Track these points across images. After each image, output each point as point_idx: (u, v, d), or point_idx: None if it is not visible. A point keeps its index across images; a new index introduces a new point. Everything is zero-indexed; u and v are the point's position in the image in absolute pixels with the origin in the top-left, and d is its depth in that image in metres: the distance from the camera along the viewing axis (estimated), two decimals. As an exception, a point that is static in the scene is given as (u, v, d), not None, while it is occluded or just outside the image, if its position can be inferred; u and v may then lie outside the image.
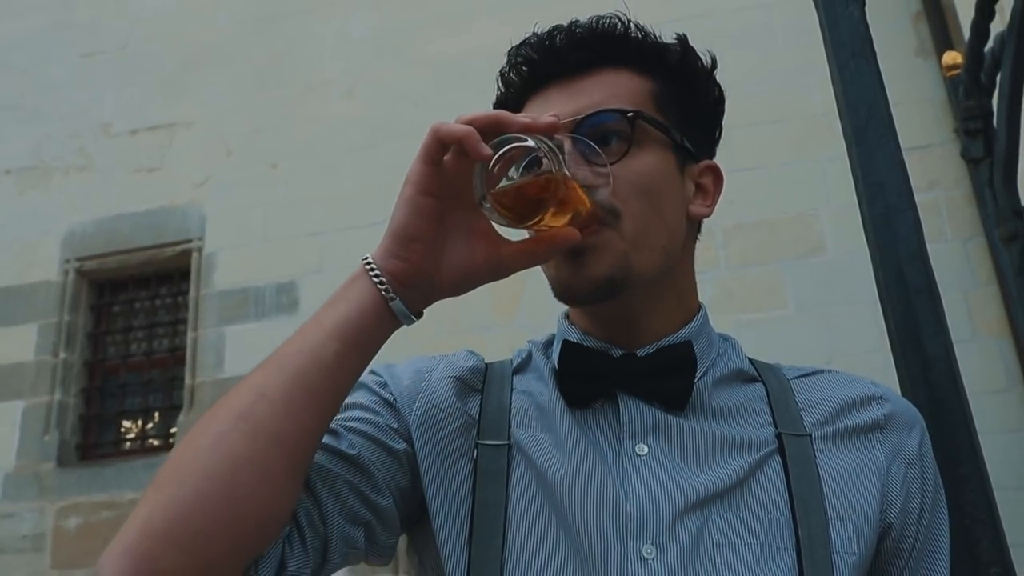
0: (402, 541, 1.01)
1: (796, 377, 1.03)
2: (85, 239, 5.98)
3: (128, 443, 5.75)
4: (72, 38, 6.52)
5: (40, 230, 6.05)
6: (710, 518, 0.89)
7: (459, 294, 0.91)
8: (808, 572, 0.86)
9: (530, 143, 0.82)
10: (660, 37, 1.04)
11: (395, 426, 0.96)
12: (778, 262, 4.93)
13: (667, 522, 0.88)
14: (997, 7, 1.86)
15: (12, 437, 5.57)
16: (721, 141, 1.11)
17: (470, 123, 0.83)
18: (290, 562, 0.84)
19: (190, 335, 5.62)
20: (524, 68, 1.02)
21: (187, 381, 5.51)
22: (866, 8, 1.34)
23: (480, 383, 1.02)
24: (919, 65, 5.04)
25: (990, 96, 1.99)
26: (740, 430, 0.96)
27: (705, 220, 1.07)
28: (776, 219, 5.00)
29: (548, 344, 1.08)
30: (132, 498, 5.04)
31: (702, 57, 1.05)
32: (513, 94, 1.04)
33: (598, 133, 0.94)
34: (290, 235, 5.61)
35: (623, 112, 0.96)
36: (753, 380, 1.02)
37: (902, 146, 1.26)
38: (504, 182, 0.84)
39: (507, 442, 0.95)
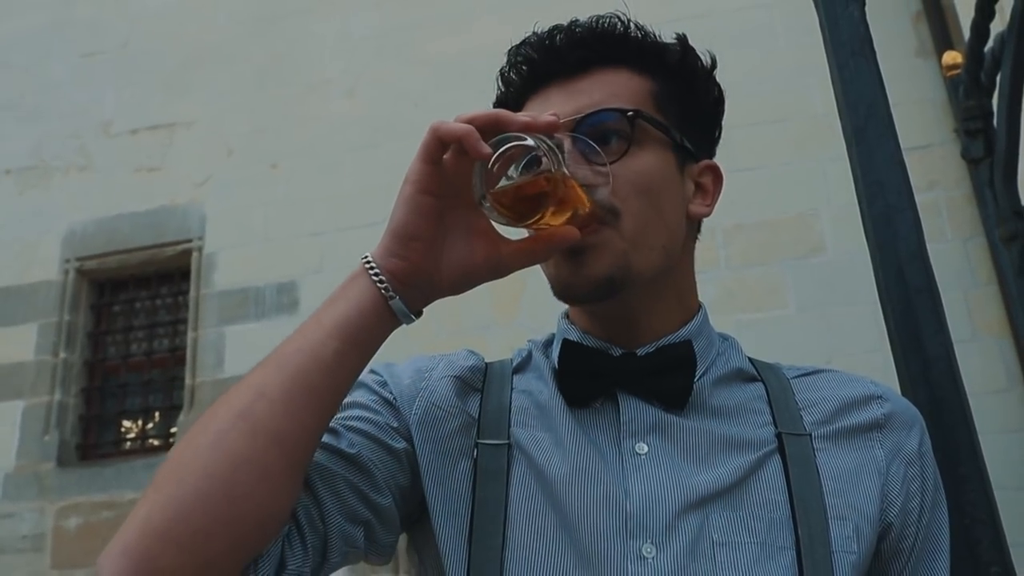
0: (402, 540, 1.01)
1: (796, 376, 1.03)
2: (85, 239, 5.98)
3: (128, 443, 5.75)
4: (72, 37, 6.52)
5: (40, 229, 6.05)
6: (710, 517, 0.89)
7: (459, 293, 0.91)
8: (808, 571, 0.86)
9: (529, 142, 0.82)
10: (660, 37, 1.04)
11: (395, 425, 0.96)
12: (779, 262, 4.93)
13: (667, 521, 0.88)
14: (997, 7, 1.86)
15: (12, 437, 5.56)
16: (722, 141, 1.11)
17: (470, 122, 0.83)
18: (290, 561, 0.84)
19: (190, 335, 5.62)
20: (524, 68, 1.02)
21: (187, 381, 5.51)
22: (866, 8, 1.34)
23: (480, 382, 1.02)
24: (919, 65, 5.04)
25: (990, 96, 1.99)
26: (740, 429, 0.96)
27: (706, 220, 1.07)
28: (777, 219, 5.00)
29: (548, 344, 1.08)
30: (132, 498, 5.04)
31: (702, 57, 1.05)
32: (513, 93, 1.04)
33: (598, 132, 0.94)
34: (291, 235, 5.60)
35: (623, 111, 0.96)
36: (753, 379, 1.02)
37: (902, 146, 1.26)
38: (504, 181, 0.84)
39: (507, 441, 0.95)
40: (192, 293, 5.72)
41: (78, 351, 5.83)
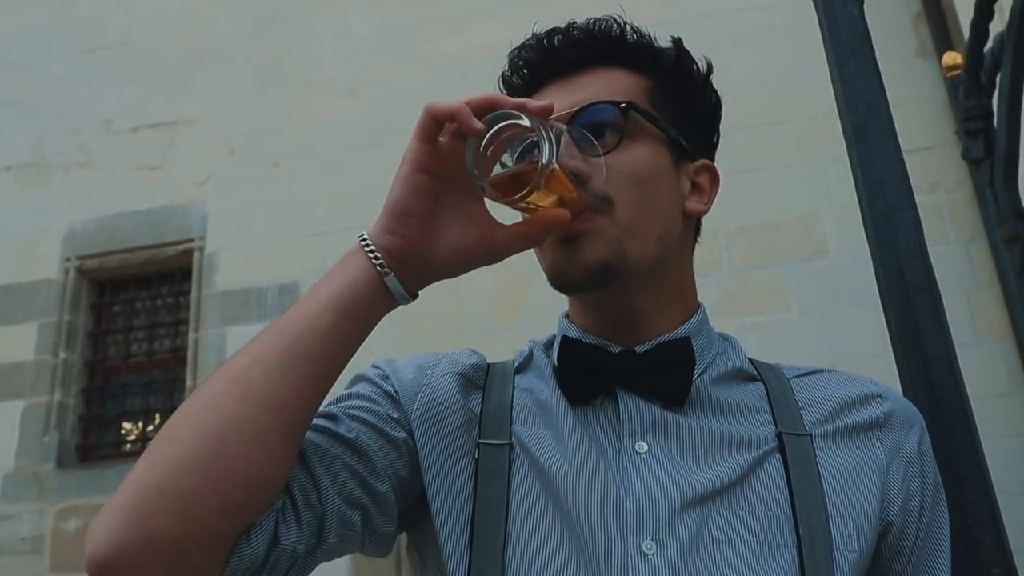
0: (402, 541, 1.01)
1: (796, 376, 1.04)
2: (86, 237, 5.97)
3: (128, 444, 5.73)
4: (73, 34, 6.52)
5: (41, 228, 6.05)
6: (710, 515, 0.89)
7: (453, 276, 0.92)
8: (809, 569, 0.87)
9: (523, 120, 0.84)
10: (656, 40, 1.06)
11: (395, 416, 0.97)
12: (781, 265, 4.93)
13: (667, 518, 0.88)
14: (997, 7, 1.86)
15: (11, 437, 5.55)
16: (723, 143, 1.13)
17: (465, 103, 0.84)
18: (283, 535, 0.84)
19: (191, 335, 5.61)
20: (524, 71, 1.05)
21: (188, 382, 5.50)
22: (866, 9, 1.34)
23: (482, 380, 1.03)
24: (919, 66, 5.04)
25: (990, 96, 1.98)
26: (740, 428, 0.96)
27: (707, 222, 1.09)
28: (779, 221, 5.00)
29: (549, 344, 1.09)
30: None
31: (698, 62, 1.07)
32: (514, 95, 1.05)
33: (592, 126, 0.96)
34: (292, 235, 5.61)
35: (616, 103, 0.98)
36: (753, 379, 1.03)
37: (903, 148, 1.27)
38: (498, 168, 0.86)
39: (508, 441, 0.96)
40: (193, 293, 5.72)
41: (78, 351, 5.83)
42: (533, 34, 1.05)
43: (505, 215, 0.91)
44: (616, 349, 1.00)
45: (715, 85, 1.09)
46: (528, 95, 1.04)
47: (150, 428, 5.78)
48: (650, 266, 0.98)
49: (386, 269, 0.86)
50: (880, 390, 1.01)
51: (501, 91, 1.07)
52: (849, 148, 1.28)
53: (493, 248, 0.90)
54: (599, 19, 1.04)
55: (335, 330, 0.85)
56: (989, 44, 1.93)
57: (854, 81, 1.29)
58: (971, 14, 1.90)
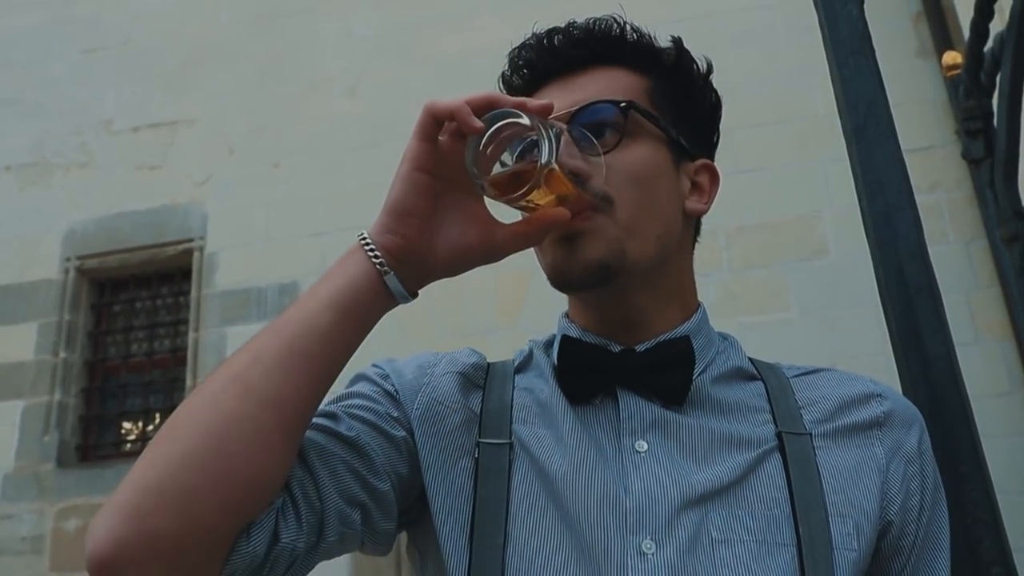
0: (402, 540, 1.01)
1: (795, 376, 1.04)
2: (86, 237, 5.97)
3: (128, 444, 5.73)
4: (73, 33, 6.52)
5: (41, 227, 6.04)
6: (709, 514, 0.89)
7: (453, 275, 0.92)
8: (809, 569, 0.87)
9: (523, 119, 0.84)
10: (656, 40, 1.06)
11: (395, 415, 0.97)
12: (781, 264, 4.93)
13: (666, 518, 0.88)
14: (997, 7, 1.86)
15: (11, 437, 5.54)
16: (723, 142, 1.13)
17: (465, 101, 0.84)
18: (283, 533, 0.84)
19: (191, 335, 5.61)
20: (525, 71, 1.05)
21: (188, 382, 5.49)
22: (866, 9, 1.34)
23: (482, 380, 1.03)
24: (919, 66, 5.04)
25: (990, 96, 1.98)
26: (740, 427, 0.96)
27: (707, 222, 1.10)
28: (779, 221, 5.00)
29: (549, 344, 1.09)
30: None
31: (698, 62, 1.07)
32: (514, 95, 1.05)
33: (592, 125, 0.96)
34: (292, 235, 5.60)
35: (615, 103, 0.98)
36: (753, 378, 1.03)
37: (903, 147, 1.27)
38: (497, 167, 0.86)
39: (508, 441, 0.96)
40: (193, 293, 5.72)
41: (78, 351, 5.83)
42: (533, 34, 1.05)
43: (505, 214, 0.91)
44: (616, 348, 1.00)
45: (715, 85, 1.09)
46: (528, 95, 1.04)
47: (150, 428, 5.77)
48: (650, 265, 0.98)
49: (386, 268, 0.87)
50: (880, 389, 1.01)
51: (501, 90, 1.07)
52: (849, 148, 1.28)
53: (493, 247, 0.90)
54: (599, 19, 1.04)
55: (335, 329, 0.85)
56: (989, 44, 1.93)
57: (854, 81, 1.29)
58: (971, 14, 1.90)
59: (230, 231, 5.75)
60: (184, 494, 0.77)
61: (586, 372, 0.98)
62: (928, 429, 1.01)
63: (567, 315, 1.08)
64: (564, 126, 0.90)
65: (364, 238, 0.88)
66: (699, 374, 0.99)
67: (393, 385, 1.00)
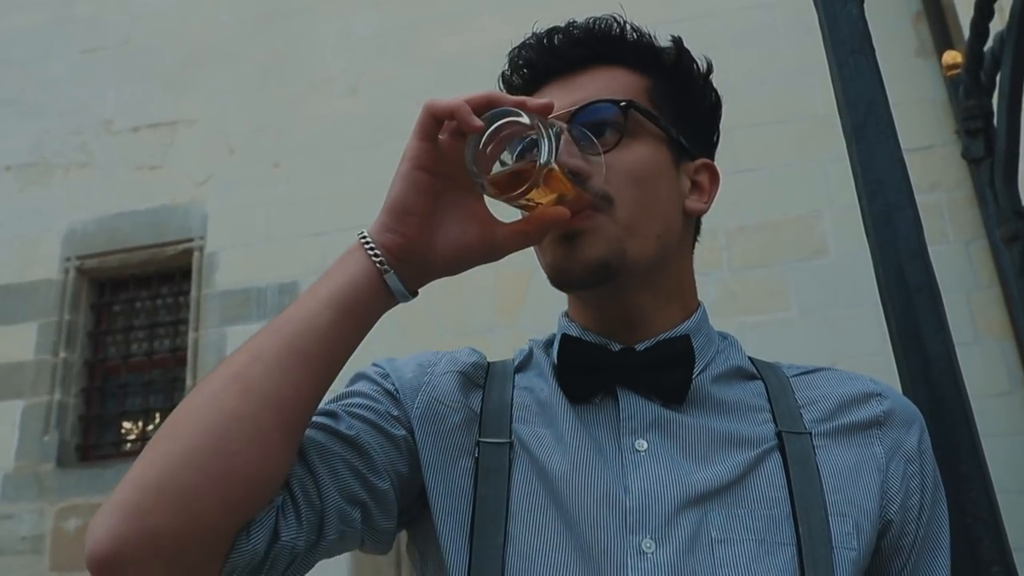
0: (402, 539, 1.01)
1: (795, 375, 1.04)
2: (86, 237, 5.97)
3: (128, 444, 5.73)
4: (73, 33, 6.52)
5: (41, 227, 6.05)
6: (708, 514, 0.89)
7: (453, 274, 0.92)
8: (809, 568, 0.87)
9: (523, 118, 0.84)
10: (656, 39, 1.06)
11: (395, 414, 0.97)
12: (781, 264, 4.93)
13: (666, 517, 0.88)
14: (997, 7, 1.86)
15: (12, 437, 5.55)
16: (723, 142, 1.13)
17: (465, 100, 0.84)
18: (283, 532, 0.84)
19: (191, 335, 5.62)
20: (525, 71, 1.05)
21: (188, 382, 5.50)
22: (866, 9, 1.34)
23: (482, 379, 1.03)
24: (919, 66, 5.05)
25: (990, 96, 1.99)
26: (740, 426, 0.96)
27: (707, 221, 1.10)
28: (779, 220, 5.00)
29: (549, 343, 1.09)
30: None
31: (698, 61, 1.08)
32: (514, 95, 1.05)
33: (592, 124, 0.96)
34: (292, 235, 5.60)
35: (616, 102, 0.98)
36: (753, 377, 1.03)
37: (903, 147, 1.27)
38: (497, 166, 0.86)
39: (508, 440, 0.96)
40: (193, 293, 5.72)
41: (78, 351, 5.83)
42: (533, 33, 1.05)
43: (505, 213, 0.91)
44: (616, 347, 1.00)
45: (715, 84, 1.09)
46: (528, 94, 1.04)
47: (150, 428, 5.78)
48: (650, 264, 0.98)
49: (386, 267, 0.87)
50: (880, 388, 1.01)
51: (501, 90, 1.07)
52: (849, 147, 1.28)
53: (493, 246, 0.90)
54: (599, 18, 1.04)
55: (335, 328, 0.85)
56: (989, 43, 1.93)
57: (854, 80, 1.29)
58: (971, 13, 1.90)
59: (230, 231, 5.75)
60: (184, 492, 0.77)
61: (586, 371, 0.98)
62: (928, 429, 1.01)
63: (567, 314, 1.08)
64: (564, 125, 0.90)
65: (364, 237, 0.88)
66: (699, 373, 0.99)
67: (393, 384, 1.00)
